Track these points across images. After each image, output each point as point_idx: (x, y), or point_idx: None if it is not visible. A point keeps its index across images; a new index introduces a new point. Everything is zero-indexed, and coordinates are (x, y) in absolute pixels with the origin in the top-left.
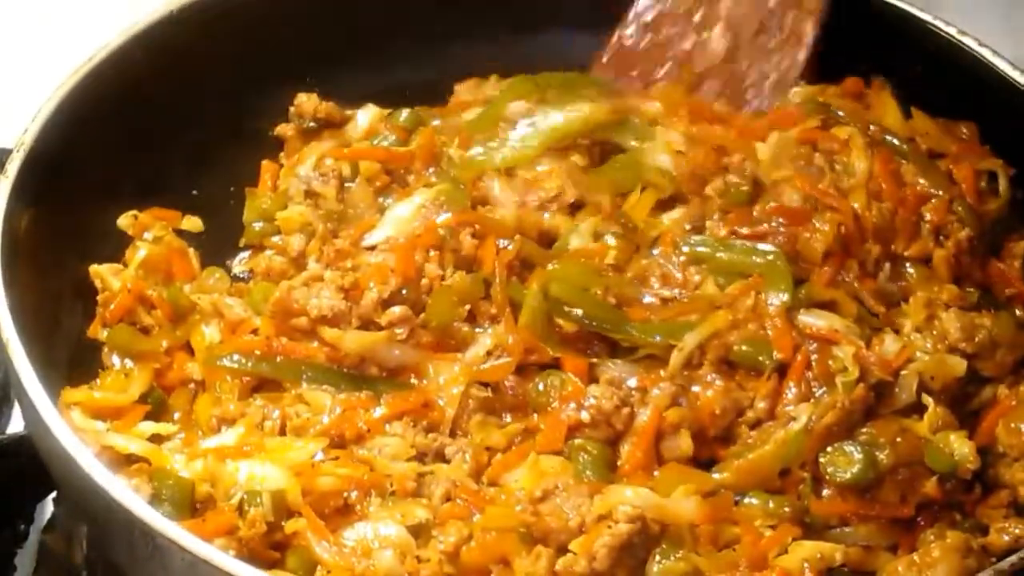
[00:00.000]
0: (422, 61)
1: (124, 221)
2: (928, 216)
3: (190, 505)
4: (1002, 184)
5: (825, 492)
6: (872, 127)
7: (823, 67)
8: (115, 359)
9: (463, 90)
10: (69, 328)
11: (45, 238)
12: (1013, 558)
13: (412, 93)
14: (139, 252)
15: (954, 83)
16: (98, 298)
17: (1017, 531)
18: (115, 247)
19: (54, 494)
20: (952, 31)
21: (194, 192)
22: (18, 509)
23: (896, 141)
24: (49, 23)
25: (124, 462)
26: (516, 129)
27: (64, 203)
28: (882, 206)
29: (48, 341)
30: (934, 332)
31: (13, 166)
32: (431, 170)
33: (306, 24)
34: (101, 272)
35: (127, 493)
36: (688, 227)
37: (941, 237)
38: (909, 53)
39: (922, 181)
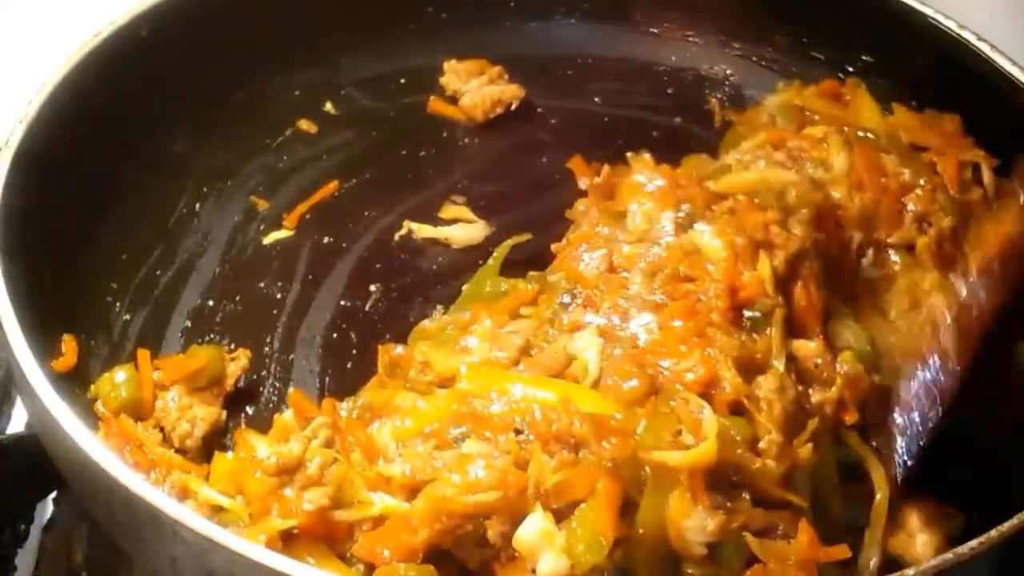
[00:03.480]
0: (423, 46)
1: None
2: (911, 205)
3: None
4: (986, 176)
5: None
6: (846, 128)
7: (824, 61)
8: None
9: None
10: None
11: (45, 212)
12: (968, 545)
13: (410, 78)
14: None
15: (953, 77)
16: None
17: None
18: (114, 222)
19: (54, 494)
20: (952, 25)
21: (196, 169)
22: (18, 509)
23: (872, 136)
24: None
25: None
26: None
27: (65, 178)
28: (863, 195)
29: (43, 319)
30: (919, 319)
31: (15, 138)
32: None
33: (312, 5)
34: None
35: (133, 477)
36: None
37: (924, 225)
38: (907, 47)
39: (905, 171)
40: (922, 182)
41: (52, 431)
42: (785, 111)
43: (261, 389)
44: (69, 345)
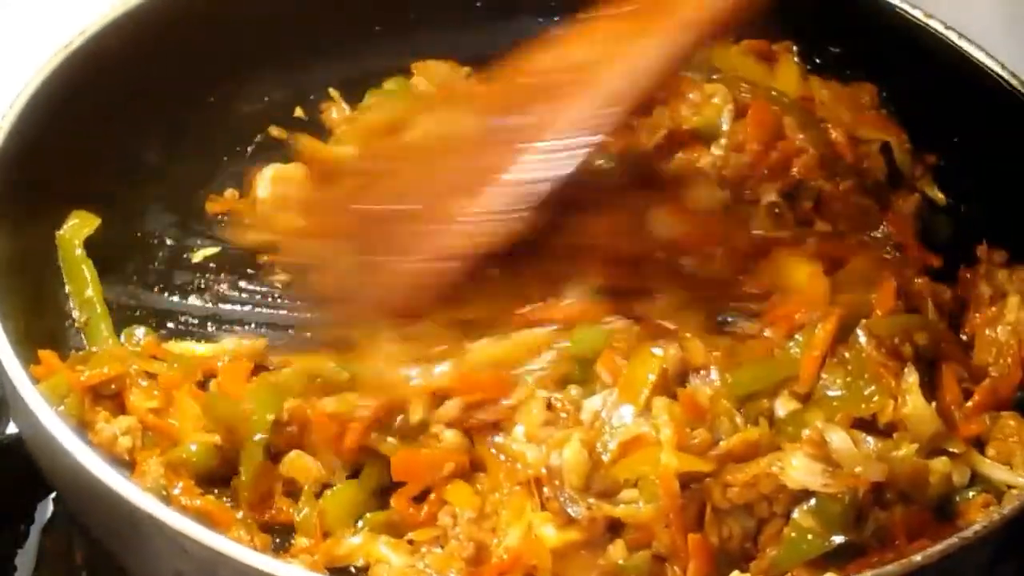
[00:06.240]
0: (391, 49)
1: None
2: (795, 170)
3: None
4: (897, 155)
5: None
6: (773, 90)
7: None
8: None
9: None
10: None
11: (21, 223)
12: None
13: (379, 81)
14: None
15: (923, 68)
16: None
17: None
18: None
19: (54, 494)
20: (918, 14)
21: (168, 180)
22: (18, 509)
23: (785, 100)
24: (26, 9)
25: None
26: None
27: (38, 189)
28: (740, 157)
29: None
30: None
31: None
32: None
33: (278, 10)
34: None
35: (126, 484)
36: None
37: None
38: (874, 37)
39: (800, 136)
40: (811, 149)
41: (48, 448)
42: (700, 65)
43: None
44: (48, 359)
